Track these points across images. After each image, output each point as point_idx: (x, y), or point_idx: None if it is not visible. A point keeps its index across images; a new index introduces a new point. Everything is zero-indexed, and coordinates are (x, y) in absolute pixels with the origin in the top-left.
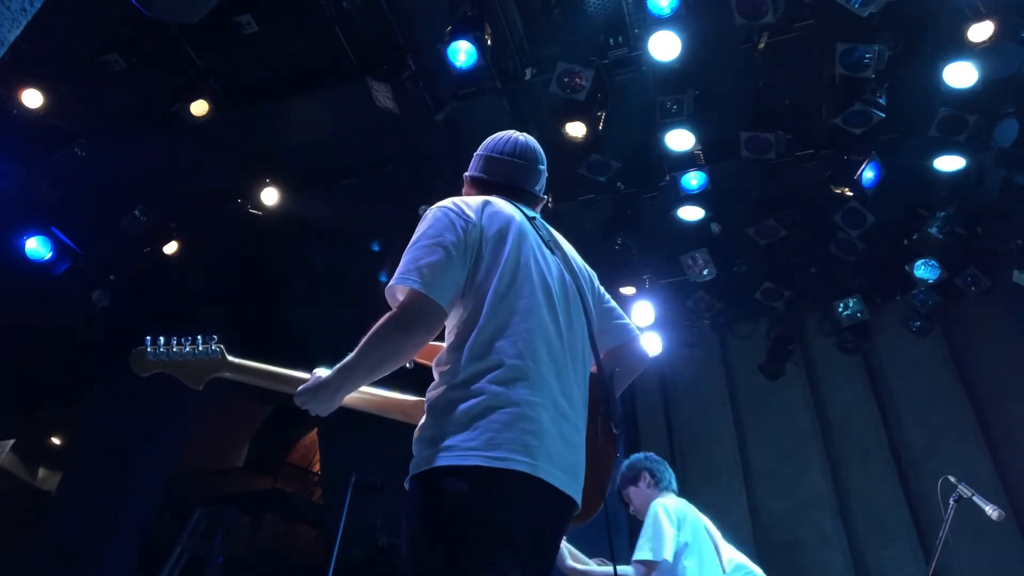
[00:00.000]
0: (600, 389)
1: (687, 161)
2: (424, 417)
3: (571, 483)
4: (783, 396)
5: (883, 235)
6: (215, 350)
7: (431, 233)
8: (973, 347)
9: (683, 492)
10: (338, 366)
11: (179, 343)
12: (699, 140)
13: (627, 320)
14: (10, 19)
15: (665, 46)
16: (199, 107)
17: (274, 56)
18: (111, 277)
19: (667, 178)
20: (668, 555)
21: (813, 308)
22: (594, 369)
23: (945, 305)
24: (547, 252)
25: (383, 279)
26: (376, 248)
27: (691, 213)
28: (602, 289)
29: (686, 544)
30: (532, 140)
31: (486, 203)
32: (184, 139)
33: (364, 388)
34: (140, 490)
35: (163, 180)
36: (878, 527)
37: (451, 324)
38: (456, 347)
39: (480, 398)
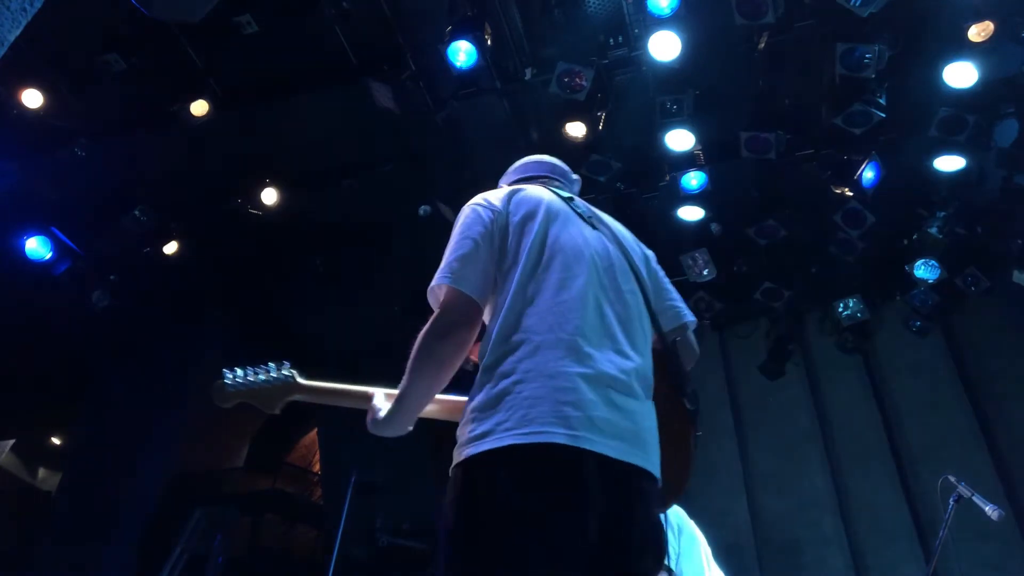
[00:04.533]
0: (664, 363)
1: (687, 161)
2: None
3: (631, 450)
4: (783, 396)
5: (883, 235)
6: (287, 375)
7: (461, 231)
8: (973, 347)
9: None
10: (396, 395)
11: (254, 372)
12: (699, 140)
13: (680, 304)
14: (10, 19)
15: (665, 46)
16: (199, 107)
17: (274, 56)
18: (111, 277)
19: (667, 178)
20: (673, 563)
21: (813, 308)
22: (657, 345)
23: (945, 305)
24: (586, 227)
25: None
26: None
27: (691, 213)
28: (659, 269)
29: (678, 554)
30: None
31: (514, 191)
32: (184, 139)
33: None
34: (140, 490)
35: (163, 180)
36: (878, 527)
37: (487, 315)
38: (488, 334)
39: (510, 378)
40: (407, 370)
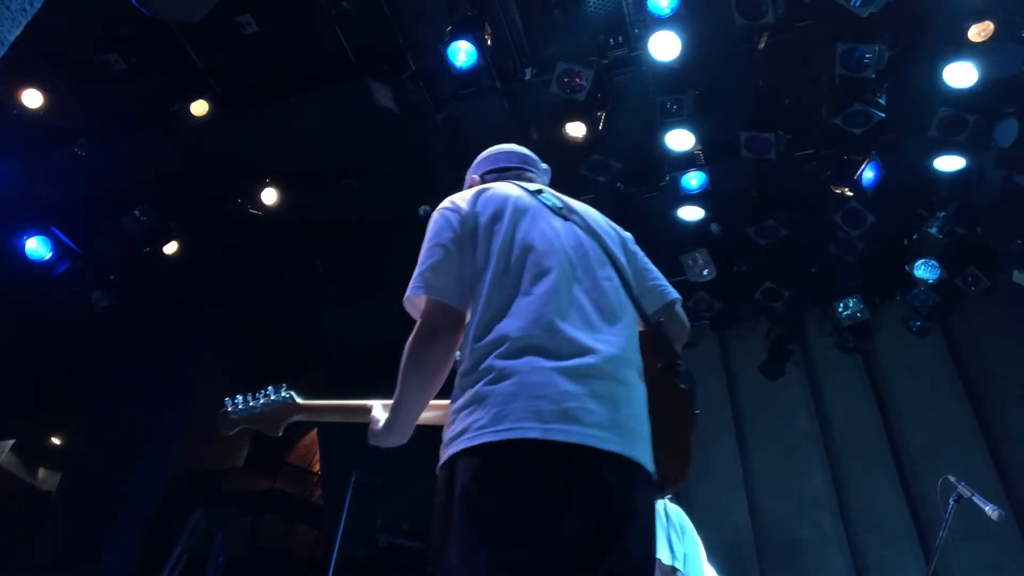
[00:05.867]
0: (652, 345)
1: (687, 161)
2: None
3: (615, 439)
4: (783, 396)
5: (883, 235)
6: (285, 396)
7: (431, 236)
8: (973, 347)
9: (683, 492)
10: (392, 404)
11: (254, 398)
12: (699, 140)
13: (663, 283)
14: (10, 19)
15: (665, 46)
16: (199, 107)
17: (274, 56)
18: (111, 277)
19: (667, 178)
20: (681, 565)
21: (813, 308)
22: (642, 328)
23: (945, 305)
24: (556, 219)
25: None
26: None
27: (691, 213)
28: (639, 251)
29: (685, 556)
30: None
31: (481, 191)
32: (184, 139)
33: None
34: (140, 490)
35: (163, 180)
36: (878, 527)
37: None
38: (464, 338)
39: (487, 377)
40: (399, 380)
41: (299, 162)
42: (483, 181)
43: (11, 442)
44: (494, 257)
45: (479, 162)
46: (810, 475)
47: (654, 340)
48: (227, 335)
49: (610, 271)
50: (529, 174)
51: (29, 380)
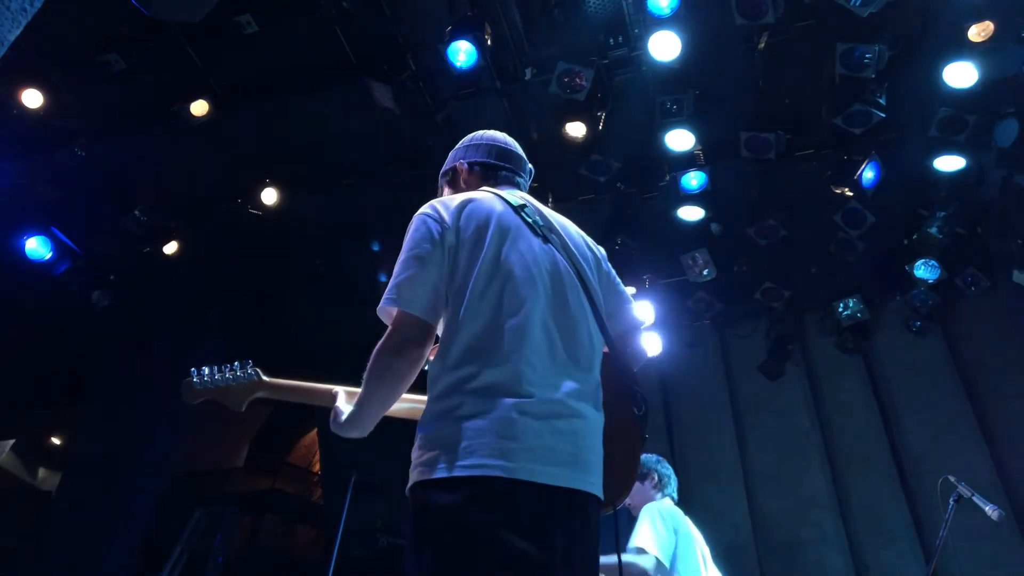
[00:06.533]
0: (616, 370)
1: (687, 161)
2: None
3: (573, 475)
4: (783, 396)
5: (883, 235)
6: (251, 373)
7: (410, 245)
8: (973, 347)
9: (683, 492)
10: (356, 400)
11: (220, 371)
12: (699, 140)
13: (632, 308)
14: (10, 19)
15: (665, 46)
16: (199, 107)
17: (274, 56)
18: (111, 277)
19: (667, 178)
20: (666, 559)
21: (813, 308)
22: (607, 351)
23: (945, 305)
24: (536, 241)
25: (383, 279)
26: (376, 248)
27: (691, 213)
28: (611, 270)
29: (676, 555)
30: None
31: (466, 202)
32: (184, 139)
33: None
34: (140, 490)
35: (163, 180)
36: (878, 527)
37: (440, 332)
38: (439, 357)
39: (458, 409)
40: (364, 381)
41: (299, 162)
42: (469, 170)
43: (11, 442)
44: (472, 279)
45: (468, 147)
46: (810, 475)
47: (617, 366)
48: (227, 335)
49: (582, 298)
50: (518, 179)
51: (29, 380)
